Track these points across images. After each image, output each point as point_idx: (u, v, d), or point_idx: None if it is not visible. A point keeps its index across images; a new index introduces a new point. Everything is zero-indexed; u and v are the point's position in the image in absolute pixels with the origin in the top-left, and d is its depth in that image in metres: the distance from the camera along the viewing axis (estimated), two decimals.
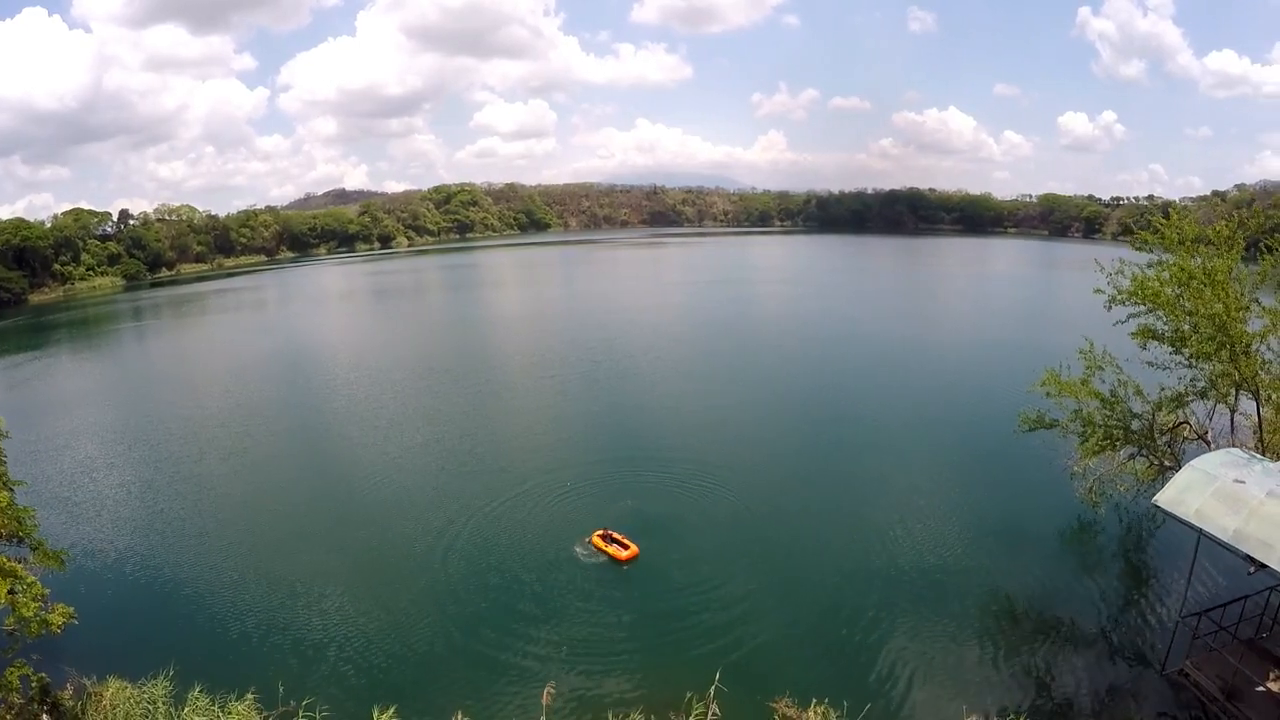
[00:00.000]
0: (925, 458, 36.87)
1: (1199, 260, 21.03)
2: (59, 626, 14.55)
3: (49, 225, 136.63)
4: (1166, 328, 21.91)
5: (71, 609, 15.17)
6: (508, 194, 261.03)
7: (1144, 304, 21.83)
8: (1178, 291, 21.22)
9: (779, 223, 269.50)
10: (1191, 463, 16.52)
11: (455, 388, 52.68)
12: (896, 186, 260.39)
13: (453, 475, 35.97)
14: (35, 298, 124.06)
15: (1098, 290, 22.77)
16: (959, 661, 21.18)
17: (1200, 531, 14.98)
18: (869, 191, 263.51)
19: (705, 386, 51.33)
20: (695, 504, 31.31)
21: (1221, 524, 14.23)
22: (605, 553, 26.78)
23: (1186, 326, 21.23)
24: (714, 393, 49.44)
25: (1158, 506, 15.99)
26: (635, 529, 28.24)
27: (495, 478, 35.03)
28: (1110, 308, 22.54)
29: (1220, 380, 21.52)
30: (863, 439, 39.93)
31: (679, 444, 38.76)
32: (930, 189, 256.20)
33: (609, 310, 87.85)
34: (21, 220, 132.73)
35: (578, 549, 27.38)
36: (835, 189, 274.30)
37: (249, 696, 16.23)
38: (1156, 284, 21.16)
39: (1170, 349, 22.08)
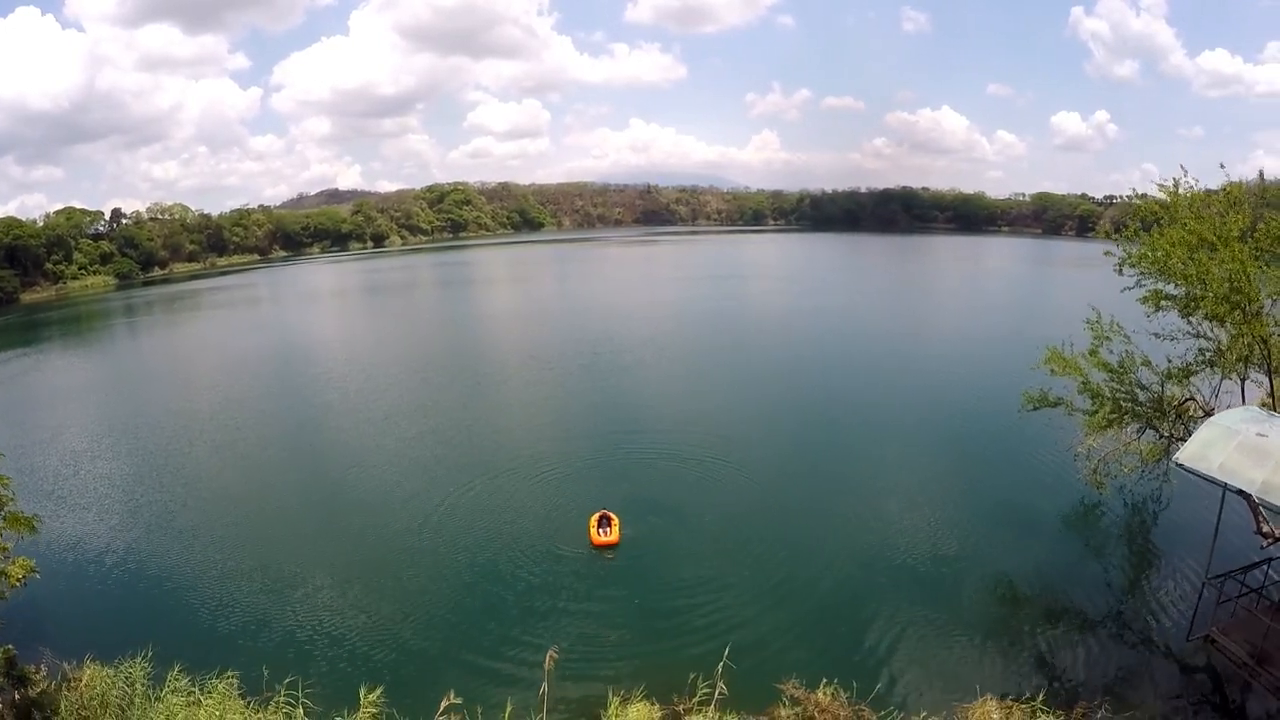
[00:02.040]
0: (927, 447, 36.31)
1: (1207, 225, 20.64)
2: (19, 580, 13.79)
3: (41, 224, 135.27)
4: (1178, 291, 21.45)
5: (32, 562, 14.44)
6: (501, 193, 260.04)
7: (1154, 270, 21.40)
8: (1188, 256, 20.77)
9: (773, 222, 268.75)
10: (1211, 419, 16.00)
11: (451, 382, 51.76)
12: (890, 186, 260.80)
13: (448, 465, 35.15)
14: (27, 296, 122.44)
15: (1107, 252, 22.38)
16: (970, 643, 20.50)
17: (1225, 486, 14.41)
18: (863, 191, 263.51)
19: (706, 379, 50.62)
20: (699, 491, 30.67)
21: (1248, 477, 13.65)
22: (589, 534, 26.19)
23: (1198, 289, 20.76)
24: (715, 385, 48.74)
25: (1179, 465, 15.42)
26: (637, 514, 27.61)
27: (491, 466, 34.25)
28: (1121, 271, 22.10)
29: (1231, 346, 21.03)
30: (864, 430, 39.35)
31: (682, 434, 37.94)
32: (924, 188, 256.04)
33: (604, 306, 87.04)
34: (13, 219, 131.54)
35: (577, 532, 26.68)
36: (829, 188, 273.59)
37: (230, 676, 15.71)
38: (1167, 245, 20.67)
39: (1180, 312, 21.62)
